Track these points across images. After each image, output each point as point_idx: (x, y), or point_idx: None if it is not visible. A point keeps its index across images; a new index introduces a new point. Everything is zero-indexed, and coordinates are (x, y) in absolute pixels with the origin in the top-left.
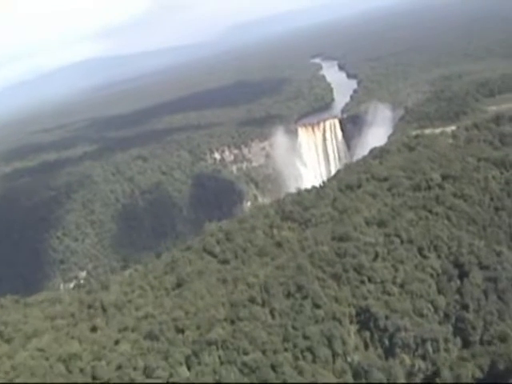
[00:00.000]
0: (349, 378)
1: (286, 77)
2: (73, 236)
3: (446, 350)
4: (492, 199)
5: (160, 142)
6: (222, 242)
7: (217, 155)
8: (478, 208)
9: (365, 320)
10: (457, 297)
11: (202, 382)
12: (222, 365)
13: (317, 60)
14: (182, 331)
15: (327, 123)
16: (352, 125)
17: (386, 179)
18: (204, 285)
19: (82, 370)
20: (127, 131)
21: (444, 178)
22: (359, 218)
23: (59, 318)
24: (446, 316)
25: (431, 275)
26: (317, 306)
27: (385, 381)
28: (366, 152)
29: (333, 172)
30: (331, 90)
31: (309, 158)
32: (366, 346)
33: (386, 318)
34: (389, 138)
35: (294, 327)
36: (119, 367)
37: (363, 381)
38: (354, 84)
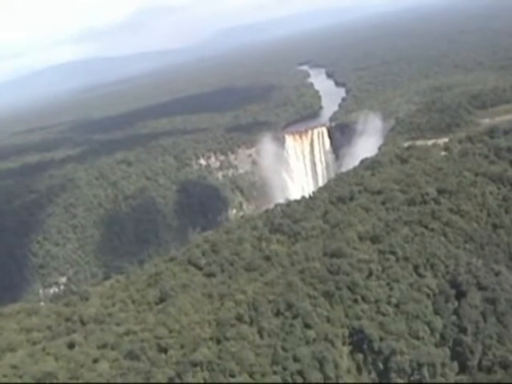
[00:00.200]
0: None
1: (273, 83)
2: (54, 241)
3: (443, 375)
4: (489, 216)
5: (145, 147)
6: (207, 253)
7: (202, 161)
8: (475, 225)
9: (358, 342)
10: (454, 318)
11: None
12: None
13: (304, 67)
14: (164, 350)
15: (315, 131)
16: (340, 134)
17: (379, 192)
18: (189, 300)
19: None
20: (111, 134)
21: (440, 192)
22: (352, 233)
23: (35, 331)
24: (443, 339)
25: (427, 295)
26: (308, 326)
27: None
28: (355, 162)
29: (320, 181)
30: (319, 98)
31: (296, 166)
32: (359, 370)
33: (381, 339)
34: (379, 148)
35: (283, 348)
36: None
37: None
38: (342, 92)
